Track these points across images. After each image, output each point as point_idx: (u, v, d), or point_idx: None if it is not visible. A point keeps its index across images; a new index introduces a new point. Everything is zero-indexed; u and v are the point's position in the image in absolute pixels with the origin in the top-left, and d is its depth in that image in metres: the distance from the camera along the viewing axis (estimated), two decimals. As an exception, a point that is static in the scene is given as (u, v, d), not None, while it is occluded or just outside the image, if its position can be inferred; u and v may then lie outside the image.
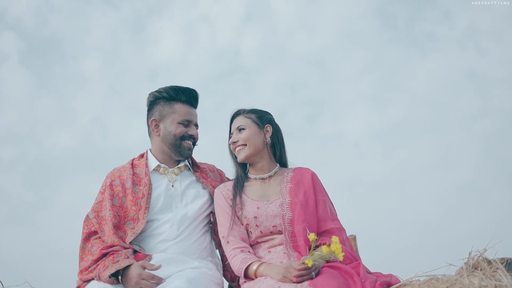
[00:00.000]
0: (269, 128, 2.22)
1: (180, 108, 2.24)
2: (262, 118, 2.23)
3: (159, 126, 2.25)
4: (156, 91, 2.28)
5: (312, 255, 1.73)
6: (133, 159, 2.32)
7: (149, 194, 2.13)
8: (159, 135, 2.26)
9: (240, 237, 2.06)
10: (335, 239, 1.69)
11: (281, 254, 2.00)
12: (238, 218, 2.09)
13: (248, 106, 2.28)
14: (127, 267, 1.85)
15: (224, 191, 2.18)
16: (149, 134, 2.33)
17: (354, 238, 2.92)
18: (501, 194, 8.82)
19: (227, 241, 2.05)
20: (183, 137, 2.23)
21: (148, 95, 2.32)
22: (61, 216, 7.88)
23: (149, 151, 2.33)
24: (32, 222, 7.36)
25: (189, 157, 2.30)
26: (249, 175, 2.23)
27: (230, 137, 2.26)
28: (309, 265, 1.69)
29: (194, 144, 2.29)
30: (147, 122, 2.31)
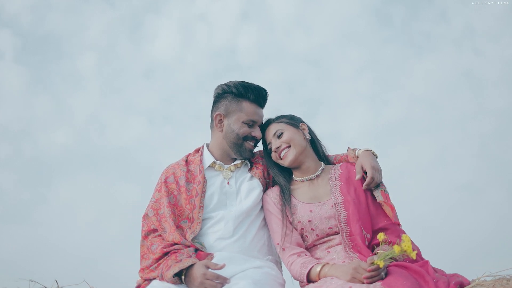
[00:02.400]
0: (304, 126, 2.23)
1: (247, 107, 2.19)
2: (294, 119, 2.23)
3: (223, 121, 2.21)
4: (225, 85, 2.23)
5: (380, 254, 1.70)
6: (188, 155, 2.29)
7: (203, 192, 2.11)
8: (222, 130, 2.22)
9: (296, 243, 2.03)
10: (406, 237, 1.66)
11: (342, 253, 1.97)
12: (290, 223, 2.06)
13: (273, 115, 2.27)
14: (190, 266, 1.82)
15: (273, 197, 2.15)
16: (211, 127, 2.29)
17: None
18: (498, 194, 8.84)
19: (283, 248, 2.02)
20: (245, 138, 2.19)
21: (216, 87, 2.28)
22: (58, 214, 7.86)
23: (205, 147, 2.29)
24: (28, 220, 7.34)
25: (248, 158, 2.27)
26: (295, 178, 2.20)
27: (266, 148, 2.23)
28: (381, 265, 1.66)
29: (255, 145, 2.25)
30: (211, 114, 2.27)
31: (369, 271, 1.66)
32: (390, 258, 1.71)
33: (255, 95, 2.20)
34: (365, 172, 2.07)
